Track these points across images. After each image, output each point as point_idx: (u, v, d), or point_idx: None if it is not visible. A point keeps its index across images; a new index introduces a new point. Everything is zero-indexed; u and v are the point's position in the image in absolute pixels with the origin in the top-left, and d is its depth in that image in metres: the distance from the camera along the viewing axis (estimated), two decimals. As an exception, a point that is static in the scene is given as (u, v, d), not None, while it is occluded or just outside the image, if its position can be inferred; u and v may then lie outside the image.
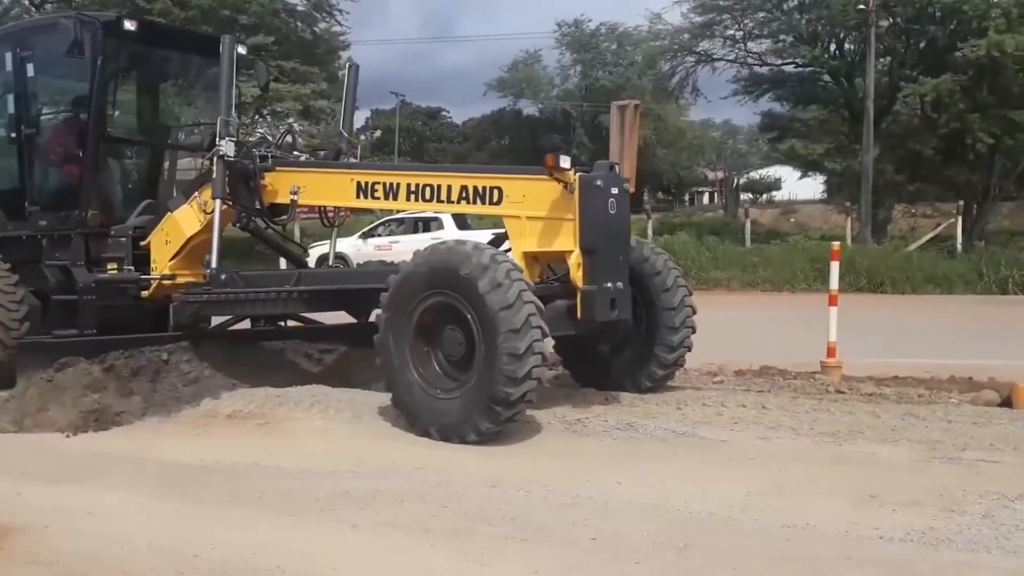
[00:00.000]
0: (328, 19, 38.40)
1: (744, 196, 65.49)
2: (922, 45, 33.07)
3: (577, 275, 6.79)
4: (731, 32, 36.70)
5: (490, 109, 65.59)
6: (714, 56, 37.74)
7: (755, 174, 72.89)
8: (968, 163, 30.42)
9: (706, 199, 74.27)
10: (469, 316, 6.43)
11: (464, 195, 7.32)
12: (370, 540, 4.63)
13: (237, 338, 8.82)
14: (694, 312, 7.99)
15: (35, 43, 8.84)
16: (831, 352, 9.28)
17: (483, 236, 29.40)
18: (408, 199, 7.64)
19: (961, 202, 29.90)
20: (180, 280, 8.39)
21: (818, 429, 6.78)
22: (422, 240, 26.08)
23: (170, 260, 8.42)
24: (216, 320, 9.06)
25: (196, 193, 8.40)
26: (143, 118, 10.03)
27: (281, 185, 8.17)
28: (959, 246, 26.49)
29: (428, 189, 7.49)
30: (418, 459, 6.09)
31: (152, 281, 8.39)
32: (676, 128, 57.35)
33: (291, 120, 34.41)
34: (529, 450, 6.32)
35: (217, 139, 8.06)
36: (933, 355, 10.44)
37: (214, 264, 8.03)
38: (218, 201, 8.05)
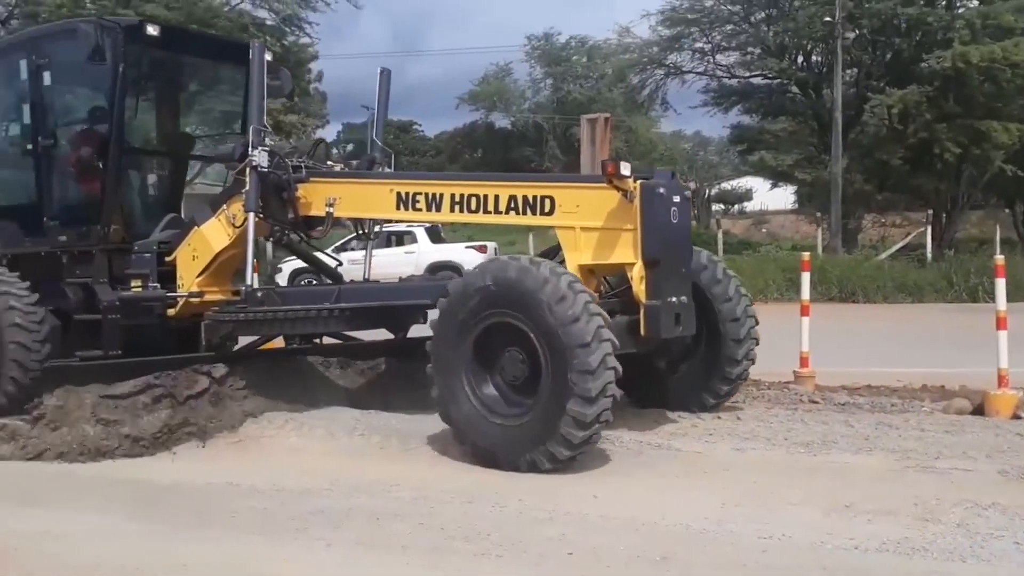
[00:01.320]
0: (297, 32, 38.22)
1: (716, 207, 65.90)
2: (888, 57, 33.45)
3: (640, 289, 6.42)
4: (699, 45, 36.99)
5: (462, 122, 65.69)
6: (683, 69, 38.02)
7: (727, 185, 73.31)
8: (936, 172, 30.73)
9: (678, 211, 74.41)
10: (532, 335, 6.04)
11: (513, 206, 6.92)
12: (345, 559, 4.59)
13: (271, 357, 8.37)
14: (757, 323, 7.69)
15: (52, 50, 8.47)
16: (804, 362, 9.32)
17: (458, 250, 29.19)
18: (452, 210, 7.24)
19: (930, 211, 30.28)
20: (208, 298, 8.01)
21: (792, 439, 6.81)
22: (394, 254, 25.98)
23: (197, 276, 8.02)
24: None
25: (224, 206, 7.99)
26: (165, 128, 9.66)
27: (315, 197, 7.79)
28: (929, 255, 26.73)
29: (474, 199, 7.10)
30: (393, 476, 6.05)
31: (179, 299, 8.01)
32: (647, 140, 57.61)
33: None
34: (504, 465, 6.28)
35: (249, 149, 7.65)
36: (905, 364, 10.51)
37: (248, 280, 7.68)
38: (251, 214, 7.60)
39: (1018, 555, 4.42)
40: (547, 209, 6.81)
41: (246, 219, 7.68)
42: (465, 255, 25.87)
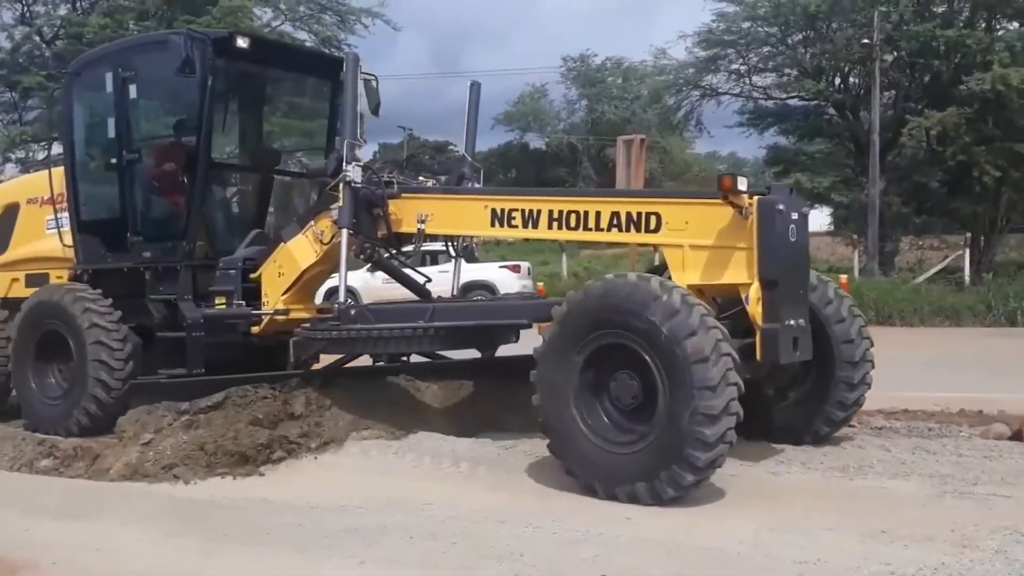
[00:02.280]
0: (337, 54, 38.68)
1: (751, 229, 65.41)
2: (927, 79, 33.17)
3: (756, 311, 6.03)
4: (735, 66, 36.82)
5: (497, 143, 65.95)
6: (719, 90, 37.87)
7: (761, 207, 72.87)
8: (975, 195, 30.38)
9: (713, 232, 74.14)
10: (650, 362, 5.71)
11: (615, 222, 6.64)
12: (378, 576, 4.62)
13: (357, 375, 8.17)
14: (872, 344, 7.33)
15: (139, 62, 8.39)
16: (840, 385, 9.19)
17: (491, 269, 28.98)
18: (550, 227, 6.96)
19: (968, 234, 29.89)
20: (293, 315, 7.86)
21: (828, 463, 6.74)
22: (428, 272, 26.00)
23: (283, 294, 7.87)
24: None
25: (312, 222, 7.82)
26: (251, 142, 9.51)
27: (406, 213, 7.59)
28: (967, 278, 26.41)
29: (573, 216, 6.82)
30: (426, 494, 6.06)
31: (264, 316, 7.86)
32: (682, 161, 57.62)
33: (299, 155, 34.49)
34: (537, 485, 6.27)
35: (344, 164, 7.45)
36: (943, 388, 10.37)
37: (342, 298, 7.46)
38: (344, 231, 7.41)
39: (1059, 584, 4.35)
40: (652, 226, 6.52)
41: (335, 235, 7.56)
42: (498, 274, 25.88)
